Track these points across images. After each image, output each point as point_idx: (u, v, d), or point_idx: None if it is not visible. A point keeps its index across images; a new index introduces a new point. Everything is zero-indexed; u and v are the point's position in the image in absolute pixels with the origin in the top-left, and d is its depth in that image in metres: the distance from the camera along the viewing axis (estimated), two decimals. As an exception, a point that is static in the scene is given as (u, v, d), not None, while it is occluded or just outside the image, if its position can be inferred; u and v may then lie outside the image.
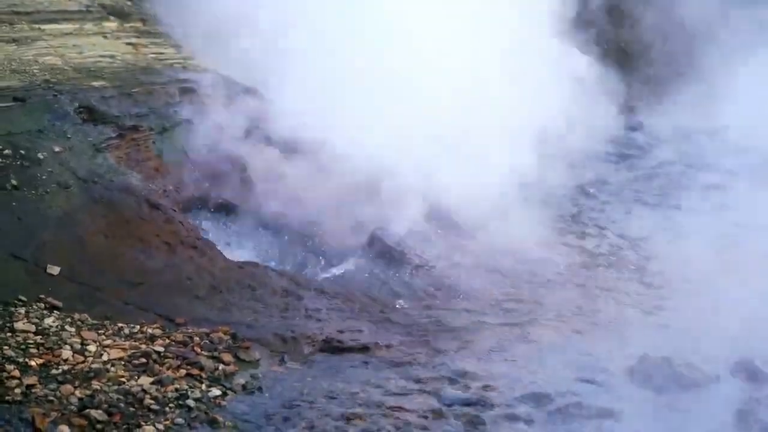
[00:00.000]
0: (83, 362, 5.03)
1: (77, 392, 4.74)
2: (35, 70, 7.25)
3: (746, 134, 10.90)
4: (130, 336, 5.44)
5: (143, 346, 5.33)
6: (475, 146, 7.99)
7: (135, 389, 4.88)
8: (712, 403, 5.27)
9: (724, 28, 12.04)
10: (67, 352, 5.07)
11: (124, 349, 5.25)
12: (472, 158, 7.87)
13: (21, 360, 4.88)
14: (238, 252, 7.26)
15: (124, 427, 4.59)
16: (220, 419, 4.80)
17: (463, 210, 7.77)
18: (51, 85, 7.12)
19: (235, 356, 5.48)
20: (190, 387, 5.03)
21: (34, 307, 5.40)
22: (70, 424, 4.50)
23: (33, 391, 4.66)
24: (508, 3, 8.86)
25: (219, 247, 6.86)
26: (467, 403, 5.21)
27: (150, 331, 5.55)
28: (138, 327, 5.56)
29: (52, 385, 4.75)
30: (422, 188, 7.66)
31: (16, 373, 4.76)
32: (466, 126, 7.98)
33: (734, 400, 5.27)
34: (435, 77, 8.01)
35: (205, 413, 4.83)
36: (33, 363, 4.90)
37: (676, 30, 12.38)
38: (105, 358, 5.13)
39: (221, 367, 5.32)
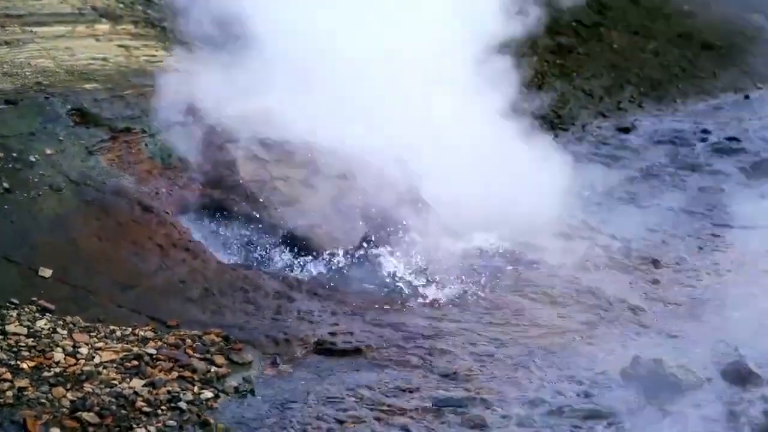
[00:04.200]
0: (75, 365, 5.06)
1: (69, 395, 4.78)
2: (27, 73, 7.25)
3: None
4: (122, 338, 5.46)
5: (135, 349, 5.36)
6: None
7: (127, 392, 4.91)
8: (703, 404, 5.28)
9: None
10: (59, 355, 5.10)
11: (116, 352, 5.28)
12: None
13: (13, 363, 4.91)
14: (229, 254, 7.24)
15: (116, 429, 4.62)
16: (212, 421, 4.81)
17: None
18: (43, 88, 7.11)
19: (228, 358, 5.50)
20: (182, 389, 5.06)
21: (26, 309, 5.43)
22: (62, 427, 4.53)
23: (25, 393, 4.69)
24: None
25: (211, 249, 6.86)
26: (461, 405, 5.21)
27: (142, 333, 5.58)
28: (130, 329, 5.59)
29: (44, 388, 4.78)
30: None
31: (8, 375, 4.79)
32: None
33: (725, 401, 5.29)
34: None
35: (197, 415, 4.86)
36: (25, 365, 4.93)
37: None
38: (97, 360, 5.16)
39: (213, 369, 5.35)
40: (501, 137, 8.07)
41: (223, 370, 5.36)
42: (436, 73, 8.09)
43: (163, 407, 4.87)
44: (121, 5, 8.90)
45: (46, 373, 4.92)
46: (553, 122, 11.27)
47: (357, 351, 5.82)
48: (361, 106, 7.48)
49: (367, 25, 7.91)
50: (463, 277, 7.06)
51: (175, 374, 5.19)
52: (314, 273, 7.07)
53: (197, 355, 5.44)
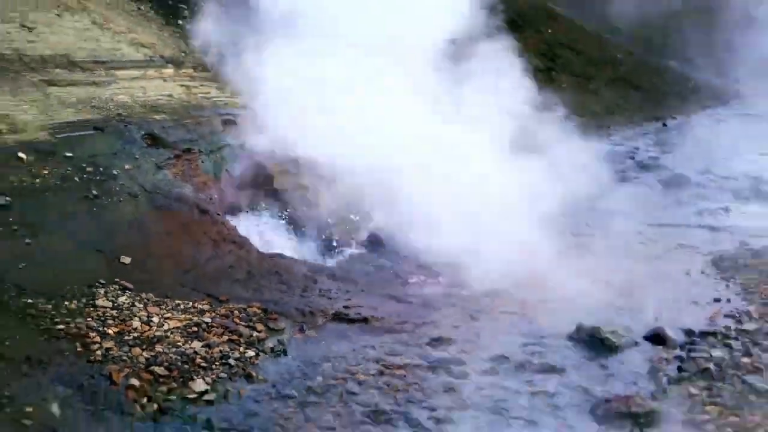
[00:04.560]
0: (149, 330, 5.09)
1: (144, 353, 4.81)
2: (111, 106, 7.28)
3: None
4: (184, 310, 5.49)
5: (195, 318, 5.39)
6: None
7: (189, 351, 4.95)
8: (631, 361, 5.31)
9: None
10: (136, 323, 5.13)
11: (180, 321, 5.31)
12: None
13: (101, 329, 4.94)
14: (267, 244, 7.23)
15: (180, 380, 4.66)
16: (254, 374, 4.87)
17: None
18: (123, 118, 7.14)
19: (266, 326, 5.53)
20: (231, 349, 5.10)
21: (111, 288, 5.45)
22: (139, 378, 4.57)
23: (110, 352, 4.73)
24: None
25: (252, 240, 6.88)
26: (445, 361, 5.26)
27: (200, 306, 5.60)
28: (191, 303, 5.61)
29: (125, 348, 4.81)
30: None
31: (97, 339, 4.83)
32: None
33: (648, 358, 5.32)
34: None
35: (243, 369, 4.90)
36: (110, 331, 4.96)
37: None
38: (165, 327, 5.19)
39: (255, 334, 5.38)
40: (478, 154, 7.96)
41: (262, 335, 5.39)
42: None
43: (216, 363, 4.90)
44: (183, 54, 8.91)
45: (126, 337, 4.94)
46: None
47: (364, 320, 5.85)
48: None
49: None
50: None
51: (225, 338, 5.22)
52: (332, 260, 7.07)
53: (243, 323, 5.47)
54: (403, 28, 7.91)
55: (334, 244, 7.34)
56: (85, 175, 6.29)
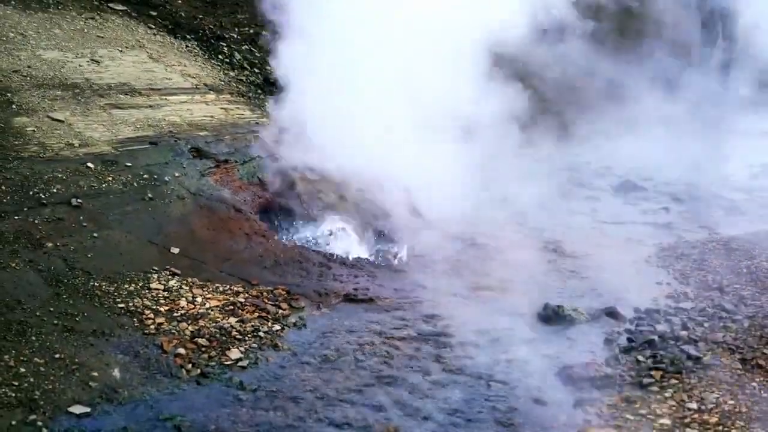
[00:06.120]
0: (193, 308, 5.06)
1: (190, 327, 4.78)
2: (163, 125, 7.21)
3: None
4: (223, 292, 5.44)
5: (231, 298, 5.34)
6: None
7: (226, 325, 4.91)
8: (590, 334, 5.26)
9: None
10: (183, 302, 5.09)
11: (219, 300, 5.27)
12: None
13: (154, 307, 4.92)
14: (288, 237, 7.12)
15: (219, 349, 4.63)
16: (280, 344, 4.83)
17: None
18: (173, 134, 7.07)
19: (289, 305, 5.48)
20: (261, 324, 5.06)
21: (163, 273, 5.41)
22: (185, 348, 4.56)
23: (162, 326, 4.71)
24: None
25: (278, 235, 6.80)
26: (435, 334, 5.21)
27: (235, 288, 5.54)
28: (228, 286, 5.55)
29: (174, 323, 4.80)
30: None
31: (151, 315, 4.81)
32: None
33: (603, 332, 5.27)
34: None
35: (270, 340, 4.87)
36: (162, 309, 4.93)
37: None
38: (207, 306, 5.15)
39: (280, 311, 5.32)
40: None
41: (286, 312, 5.34)
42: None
43: (249, 335, 4.86)
44: (222, 83, 8.83)
45: (175, 314, 4.91)
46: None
47: (370, 300, 5.77)
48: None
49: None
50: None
51: (256, 315, 5.18)
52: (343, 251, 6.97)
53: (270, 303, 5.42)
54: None
55: (346, 237, 7.22)
56: (141, 181, 6.23)
